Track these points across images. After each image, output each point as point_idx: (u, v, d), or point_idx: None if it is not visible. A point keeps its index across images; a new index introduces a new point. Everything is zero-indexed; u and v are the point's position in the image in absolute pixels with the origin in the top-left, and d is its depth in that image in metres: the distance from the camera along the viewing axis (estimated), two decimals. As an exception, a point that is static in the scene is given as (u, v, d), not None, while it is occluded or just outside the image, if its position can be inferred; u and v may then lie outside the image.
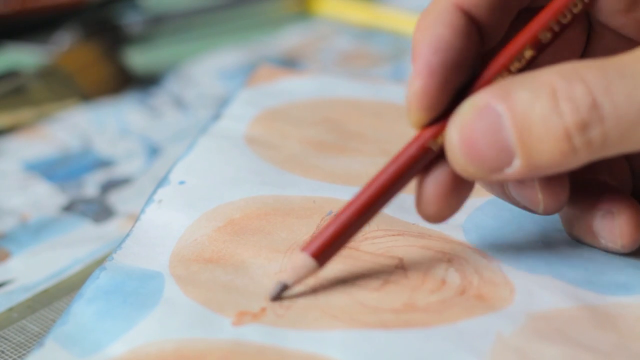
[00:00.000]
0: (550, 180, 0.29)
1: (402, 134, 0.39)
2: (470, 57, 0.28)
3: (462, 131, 0.27)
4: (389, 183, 0.29)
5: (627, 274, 0.30)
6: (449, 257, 0.31)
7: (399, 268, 0.30)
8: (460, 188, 0.29)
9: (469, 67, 0.28)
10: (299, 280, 0.29)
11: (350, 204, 0.29)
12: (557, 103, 0.26)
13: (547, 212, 0.30)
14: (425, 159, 0.28)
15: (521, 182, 0.29)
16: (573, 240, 0.32)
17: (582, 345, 0.27)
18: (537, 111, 0.26)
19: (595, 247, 0.31)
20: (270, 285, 0.29)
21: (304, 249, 0.29)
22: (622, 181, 0.32)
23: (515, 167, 0.26)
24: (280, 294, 0.29)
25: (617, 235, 0.30)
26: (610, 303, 0.29)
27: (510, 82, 0.27)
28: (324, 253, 0.29)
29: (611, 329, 0.28)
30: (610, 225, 0.30)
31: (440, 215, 0.29)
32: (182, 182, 0.35)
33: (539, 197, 0.29)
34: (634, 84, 0.25)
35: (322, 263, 0.29)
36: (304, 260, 0.28)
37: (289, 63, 0.57)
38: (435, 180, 0.28)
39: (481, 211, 0.33)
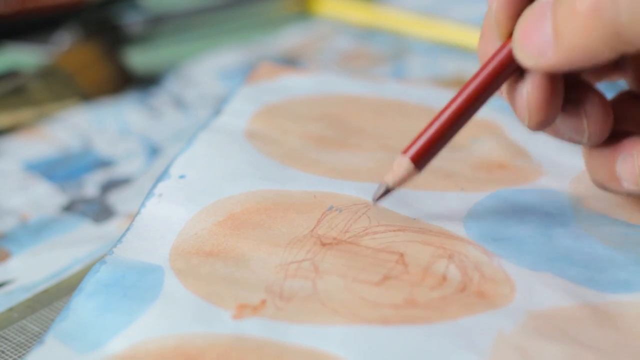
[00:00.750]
0: (595, 109, 0.30)
1: (402, 130, 0.39)
2: None
3: (523, 21, 0.29)
4: (484, 85, 0.30)
5: (628, 271, 0.30)
6: (449, 253, 0.31)
7: (400, 263, 0.30)
8: (555, 88, 0.30)
9: None
10: (400, 182, 0.31)
11: (446, 107, 0.30)
12: None
13: (591, 141, 0.31)
14: (513, 63, 0.30)
15: (568, 111, 0.31)
16: (574, 237, 0.32)
17: (582, 343, 0.27)
18: None
19: (619, 193, 0.32)
20: (270, 277, 0.29)
21: (404, 152, 0.31)
22: None
23: (553, 51, 0.28)
24: (383, 195, 0.32)
25: (637, 175, 0.31)
26: (611, 301, 0.29)
27: None
28: (422, 157, 0.31)
29: (612, 326, 0.28)
30: (631, 166, 0.31)
31: (549, 117, 0.30)
32: (182, 176, 0.35)
33: (584, 125, 0.31)
34: None
35: (421, 167, 0.31)
36: (404, 163, 0.31)
37: (289, 63, 0.57)
38: (535, 84, 0.30)
39: (482, 206, 0.33)
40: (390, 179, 0.31)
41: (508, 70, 0.30)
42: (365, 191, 0.34)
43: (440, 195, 0.34)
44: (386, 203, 0.33)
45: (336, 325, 0.27)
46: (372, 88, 0.44)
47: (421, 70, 0.56)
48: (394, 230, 0.32)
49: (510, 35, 0.30)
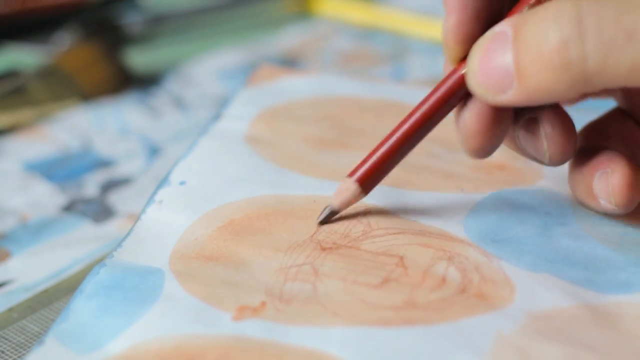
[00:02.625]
0: (555, 131, 0.30)
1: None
2: None
3: (479, 54, 0.28)
4: (431, 111, 0.30)
5: (627, 272, 0.30)
6: (449, 255, 0.31)
7: (400, 266, 0.30)
8: (499, 117, 0.29)
9: (498, 2, 0.29)
10: (344, 204, 0.31)
11: (393, 133, 0.30)
12: (547, 23, 0.26)
13: (552, 163, 0.31)
14: (464, 89, 0.29)
15: (529, 130, 0.30)
16: (573, 238, 0.32)
17: (582, 344, 0.27)
18: (532, 33, 0.26)
19: (596, 211, 0.32)
20: (269, 280, 0.29)
21: (350, 174, 0.31)
22: (636, 151, 0.32)
23: (514, 89, 0.27)
24: (328, 218, 0.31)
25: (610, 193, 0.30)
26: (611, 302, 0.29)
27: (531, 11, 0.27)
28: (368, 180, 0.31)
29: (611, 327, 0.28)
30: (605, 184, 0.31)
31: (485, 147, 0.30)
32: (182, 183, 0.35)
33: (544, 147, 0.30)
34: (625, 10, 0.25)
35: (367, 190, 0.31)
36: (350, 185, 0.31)
37: (289, 63, 0.57)
38: (476, 111, 0.29)
39: (482, 207, 0.33)
40: (335, 201, 0.31)
41: (458, 96, 0.30)
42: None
43: (440, 196, 0.34)
44: (387, 205, 0.33)
45: (336, 327, 0.27)
46: (372, 89, 0.44)
47: (421, 70, 0.56)
48: (394, 234, 0.32)
49: (459, 60, 0.30)
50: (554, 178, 0.35)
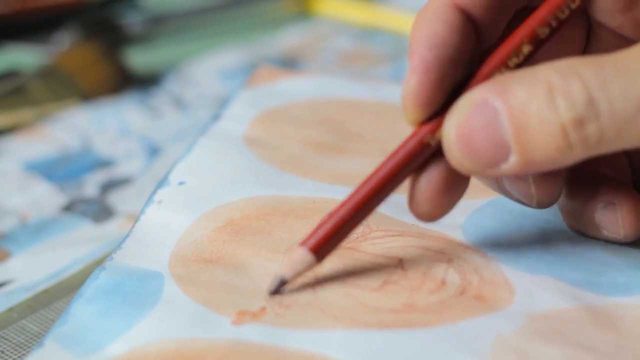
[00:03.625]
0: (543, 175, 0.29)
1: (401, 134, 0.39)
2: (467, 55, 0.28)
3: (459, 126, 0.27)
4: (387, 178, 0.29)
5: (627, 275, 0.30)
6: (448, 258, 0.31)
7: (399, 268, 0.30)
8: (453, 187, 0.29)
9: (465, 65, 0.28)
10: (297, 275, 0.29)
11: (348, 199, 0.29)
12: (553, 99, 0.25)
13: (540, 206, 0.30)
14: (422, 154, 0.28)
15: (516, 177, 0.30)
16: (573, 240, 0.32)
17: (582, 345, 0.27)
18: (533, 107, 0.26)
19: (597, 239, 0.31)
20: (269, 284, 0.29)
21: (302, 243, 0.29)
22: (622, 174, 0.32)
23: (512, 163, 0.26)
24: (278, 289, 0.29)
25: (620, 226, 0.30)
26: (610, 304, 0.29)
27: (507, 78, 0.27)
28: (322, 248, 0.29)
29: (611, 329, 0.28)
30: (612, 216, 0.30)
31: (432, 214, 0.29)
32: (181, 183, 0.35)
33: (532, 191, 0.30)
34: (630, 80, 0.25)
35: (321, 258, 0.29)
36: (302, 255, 0.29)
37: (289, 63, 0.57)
38: (429, 178, 0.28)
39: (481, 212, 0.33)
40: (287, 271, 0.29)
41: (416, 162, 0.28)
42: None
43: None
44: (385, 209, 0.33)
45: (335, 330, 0.27)
46: (371, 91, 0.44)
47: (421, 70, 0.56)
48: (393, 236, 0.32)
49: (417, 122, 0.28)
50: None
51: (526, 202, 0.30)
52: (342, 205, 0.29)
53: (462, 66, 0.28)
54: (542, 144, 0.26)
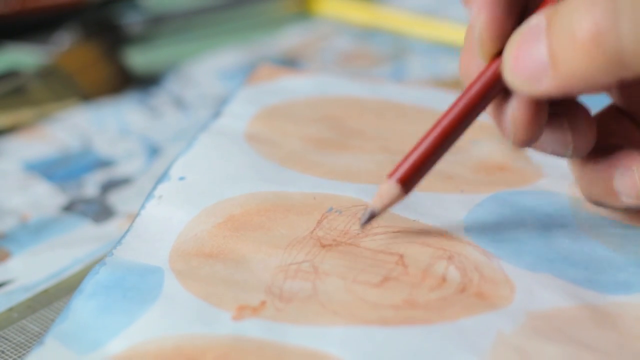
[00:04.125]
0: (578, 121, 0.30)
1: (402, 132, 0.39)
2: None
3: (514, 45, 0.28)
4: (469, 107, 0.30)
5: (627, 273, 0.30)
6: (449, 254, 0.31)
7: (400, 265, 0.30)
8: (541, 105, 0.30)
9: None
10: (386, 206, 0.30)
11: (432, 128, 0.30)
12: (580, 9, 0.26)
13: (576, 154, 0.31)
14: (500, 84, 0.29)
15: (552, 125, 0.30)
16: (574, 238, 0.32)
17: (582, 344, 0.27)
18: (564, 20, 0.26)
19: (616, 207, 0.32)
20: (269, 278, 0.29)
21: (390, 175, 0.30)
22: (638, 146, 0.32)
23: (549, 78, 0.27)
24: (369, 220, 0.30)
25: (639, 190, 0.31)
26: (611, 302, 0.29)
27: (563, 1, 0.27)
28: (409, 179, 0.30)
29: (611, 328, 0.28)
30: (631, 181, 0.31)
31: (533, 135, 0.30)
32: (182, 178, 0.35)
33: (568, 137, 0.30)
34: None
35: (408, 189, 0.30)
36: (391, 187, 0.30)
37: (289, 63, 0.57)
38: (521, 105, 0.29)
39: (482, 208, 0.33)
40: (377, 203, 0.30)
41: (494, 92, 0.30)
42: (365, 193, 0.34)
43: (440, 197, 0.34)
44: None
45: (336, 326, 0.27)
46: (372, 89, 0.44)
47: (421, 70, 0.56)
48: (394, 232, 0.32)
49: (493, 56, 0.30)
50: (554, 179, 0.35)
51: (562, 152, 0.31)
52: (427, 135, 0.30)
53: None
54: (568, 56, 0.26)
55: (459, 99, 0.30)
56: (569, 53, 0.26)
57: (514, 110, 0.30)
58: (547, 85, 0.27)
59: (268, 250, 0.31)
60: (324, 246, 0.31)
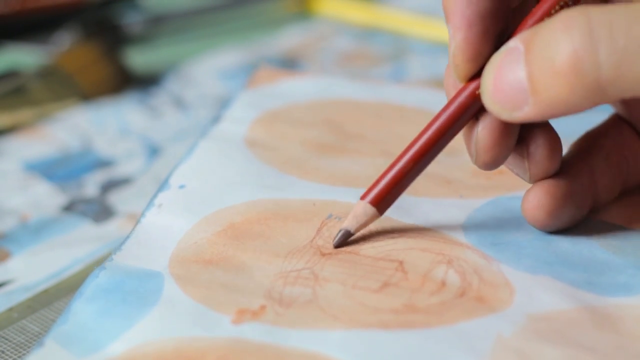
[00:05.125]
0: (537, 149, 0.30)
1: (402, 135, 0.39)
2: (504, 8, 0.29)
3: (492, 71, 0.28)
4: (443, 130, 0.30)
5: (626, 275, 0.30)
6: (448, 259, 0.31)
7: (399, 271, 0.30)
8: (509, 130, 0.30)
9: (504, 18, 0.29)
10: (360, 227, 0.31)
11: (406, 150, 0.30)
12: (557, 34, 0.26)
13: (533, 180, 0.31)
14: (474, 106, 0.29)
15: (515, 150, 0.30)
16: (573, 240, 0.32)
17: (582, 346, 0.27)
18: (542, 45, 0.26)
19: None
20: (269, 284, 0.29)
21: (363, 197, 0.31)
22: (631, 161, 0.33)
23: (529, 104, 0.27)
24: (344, 241, 0.31)
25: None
26: (610, 304, 0.29)
27: (540, 24, 0.27)
28: (383, 200, 0.31)
29: (611, 329, 0.28)
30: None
31: (497, 159, 0.30)
32: (182, 186, 0.35)
33: (525, 164, 0.31)
34: (635, 18, 0.25)
35: (382, 210, 0.31)
36: (365, 207, 0.31)
37: (289, 63, 0.57)
38: (487, 127, 0.29)
39: (481, 212, 0.33)
40: (352, 224, 0.31)
41: (468, 114, 0.30)
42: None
43: (439, 201, 0.34)
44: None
45: (336, 330, 0.27)
46: (372, 91, 0.44)
47: (421, 70, 0.56)
48: (393, 238, 0.32)
49: (468, 77, 0.29)
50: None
51: (521, 176, 0.31)
52: (400, 157, 0.30)
53: (502, 19, 0.29)
54: (548, 83, 0.26)
55: (433, 121, 0.30)
56: (549, 80, 0.26)
57: (478, 132, 0.30)
58: (528, 111, 0.27)
59: (268, 259, 0.31)
60: (323, 255, 0.31)
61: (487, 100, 0.28)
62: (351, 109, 0.42)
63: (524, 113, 0.27)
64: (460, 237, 0.32)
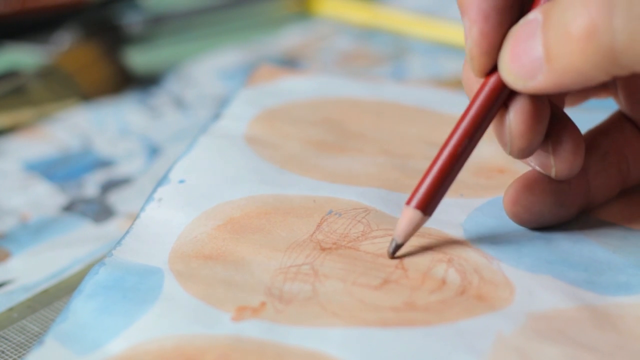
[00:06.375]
0: (561, 146, 0.30)
1: (402, 134, 0.39)
2: (520, 0, 0.29)
3: (510, 42, 0.28)
4: (476, 123, 0.30)
5: (627, 274, 0.30)
6: (449, 257, 0.31)
7: (399, 268, 0.30)
8: (540, 114, 0.29)
9: (520, 10, 0.29)
10: (409, 235, 0.30)
11: (442, 149, 0.30)
12: (574, 3, 0.26)
13: (559, 177, 0.31)
14: (502, 95, 0.29)
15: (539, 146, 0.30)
16: (573, 239, 0.32)
17: (582, 345, 0.27)
18: (559, 15, 0.26)
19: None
20: (269, 280, 0.29)
21: (408, 202, 0.30)
22: (631, 161, 0.33)
23: (544, 73, 0.27)
24: (396, 251, 0.30)
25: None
26: (611, 303, 0.29)
27: None
28: (428, 203, 0.30)
29: (611, 329, 0.28)
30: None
31: (532, 145, 0.30)
32: (182, 181, 0.35)
33: (550, 161, 0.30)
34: None
35: (430, 212, 0.30)
36: (411, 214, 0.30)
37: (289, 63, 0.57)
38: (519, 112, 0.29)
39: (481, 211, 0.33)
40: (400, 234, 0.30)
41: (498, 103, 0.30)
42: (364, 196, 0.34)
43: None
44: (385, 208, 0.33)
45: (335, 328, 0.27)
46: (372, 90, 0.44)
47: (421, 70, 0.56)
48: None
49: (484, 71, 0.29)
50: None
51: (546, 173, 0.31)
52: (438, 156, 0.30)
53: (519, 10, 0.29)
54: (562, 51, 0.26)
55: (463, 118, 0.30)
56: (564, 48, 0.26)
57: (511, 118, 0.30)
58: (542, 80, 0.27)
59: (268, 253, 0.31)
60: (323, 249, 0.31)
61: (504, 70, 0.28)
62: (351, 108, 0.42)
63: (538, 82, 0.27)
64: (460, 235, 0.32)
